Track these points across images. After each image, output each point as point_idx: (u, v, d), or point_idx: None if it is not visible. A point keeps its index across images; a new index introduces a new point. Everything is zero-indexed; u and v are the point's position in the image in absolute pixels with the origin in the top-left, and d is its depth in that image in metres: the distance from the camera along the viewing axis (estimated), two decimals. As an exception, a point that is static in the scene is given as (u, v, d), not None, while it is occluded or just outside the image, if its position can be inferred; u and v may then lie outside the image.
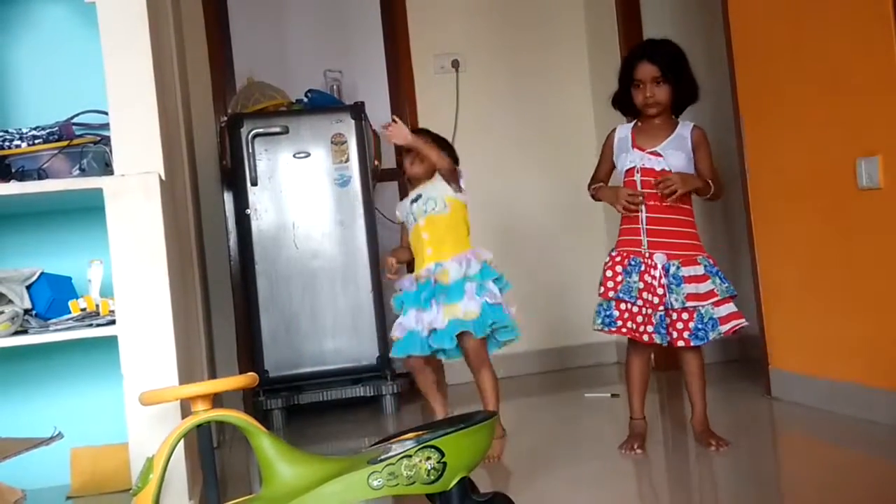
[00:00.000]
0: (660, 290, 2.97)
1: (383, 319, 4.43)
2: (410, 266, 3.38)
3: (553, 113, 5.36)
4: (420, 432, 2.36)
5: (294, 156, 4.42)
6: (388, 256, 3.35)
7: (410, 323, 3.18)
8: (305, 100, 4.66)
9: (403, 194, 5.18)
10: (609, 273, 3.08)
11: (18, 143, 2.84)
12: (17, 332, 2.70)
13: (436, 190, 3.23)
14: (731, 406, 3.79)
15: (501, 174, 5.24)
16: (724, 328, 3.00)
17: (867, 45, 3.11)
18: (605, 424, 3.76)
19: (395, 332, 3.24)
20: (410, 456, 2.18)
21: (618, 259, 3.07)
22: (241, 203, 4.42)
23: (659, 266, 2.99)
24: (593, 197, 3.29)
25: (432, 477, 2.19)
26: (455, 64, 5.23)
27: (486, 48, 5.31)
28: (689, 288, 2.97)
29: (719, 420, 3.25)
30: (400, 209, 3.39)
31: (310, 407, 4.50)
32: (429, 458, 2.19)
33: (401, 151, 3.36)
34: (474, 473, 2.32)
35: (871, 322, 3.21)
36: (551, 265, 5.29)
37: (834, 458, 2.96)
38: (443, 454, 2.20)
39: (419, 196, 3.25)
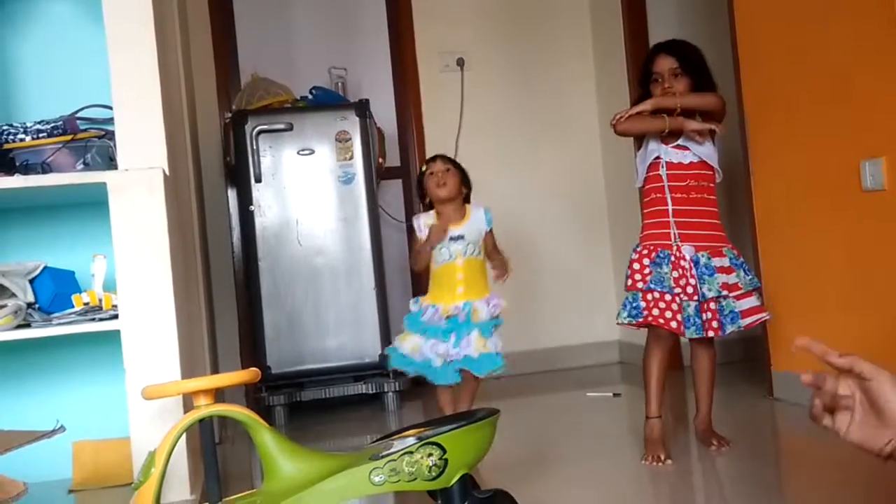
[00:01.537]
0: (692, 282, 2.94)
1: (386, 317, 4.43)
2: (423, 288, 3.39)
3: (558, 112, 5.36)
4: (422, 429, 2.35)
5: (298, 153, 4.42)
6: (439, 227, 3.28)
7: (427, 351, 3.22)
8: (310, 97, 4.66)
9: (407, 193, 5.21)
10: (636, 266, 2.98)
11: (23, 136, 2.85)
12: (19, 326, 2.71)
13: (475, 234, 3.28)
14: (733, 407, 3.79)
15: (506, 173, 5.23)
16: (746, 321, 2.97)
17: (872, 47, 3.11)
18: (607, 423, 3.75)
19: (410, 353, 3.25)
20: (412, 452, 2.17)
21: (644, 252, 2.99)
22: (245, 199, 4.42)
23: (688, 257, 2.96)
24: (624, 134, 3.08)
25: (434, 473, 2.19)
26: (460, 62, 5.23)
27: (492, 47, 5.31)
28: (722, 278, 2.95)
29: (721, 420, 3.24)
30: (426, 232, 3.28)
31: (312, 404, 4.51)
32: (430, 455, 2.19)
33: (422, 178, 3.36)
34: (476, 470, 2.31)
35: (874, 324, 3.20)
36: (555, 264, 5.29)
37: (836, 458, 2.95)
38: (444, 451, 2.19)
39: (461, 237, 3.25)
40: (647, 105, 2.96)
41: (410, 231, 5.10)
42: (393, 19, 5.26)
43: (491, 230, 3.34)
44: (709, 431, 3.09)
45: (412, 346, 3.24)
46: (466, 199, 3.36)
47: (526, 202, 5.27)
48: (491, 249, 3.35)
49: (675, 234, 2.97)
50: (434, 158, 3.39)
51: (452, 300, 3.21)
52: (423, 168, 3.36)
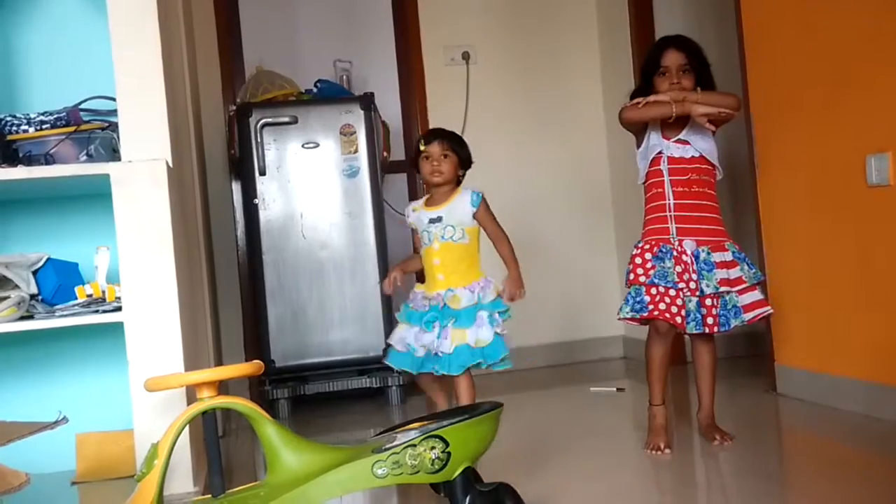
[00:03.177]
0: (694, 277, 2.93)
1: (390, 311, 4.42)
2: (421, 276, 3.29)
3: (563, 105, 5.34)
4: (425, 422, 2.36)
5: (303, 146, 4.41)
6: (395, 271, 3.25)
7: (410, 340, 3.12)
8: (315, 90, 4.65)
9: (412, 187, 5.21)
10: (638, 260, 2.98)
11: (26, 127, 2.85)
12: (23, 318, 2.71)
13: (456, 217, 3.12)
14: (736, 402, 3.78)
15: (511, 166, 5.23)
16: (748, 316, 2.97)
17: (878, 41, 3.09)
18: (610, 418, 3.75)
19: (396, 343, 3.17)
20: (415, 445, 2.18)
21: (646, 247, 2.99)
22: (250, 193, 4.42)
23: (689, 252, 2.95)
24: (630, 121, 3.06)
25: (436, 466, 2.19)
26: (465, 56, 5.22)
27: (497, 40, 5.29)
28: (721, 273, 2.94)
29: (724, 415, 3.24)
30: (413, 216, 3.24)
31: (316, 397, 4.51)
32: (433, 448, 2.19)
33: (418, 155, 3.20)
34: (478, 463, 2.31)
35: (878, 319, 3.19)
36: (560, 258, 5.28)
37: (838, 454, 2.95)
38: (447, 444, 2.19)
39: (440, 218, 3.12)
40: (665, 97, 2.94)
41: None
42: (398, 12, 5.25)
43: (485, 210, 3.14)
44: (711, 426, 3.09)
45: (399, 337, 3.15)
46: (460, 181, 3.22)
47: (531, 195, 5.26)
48: (495, 236, 3.17)
49: (673, 229, 2.97)
50: (431, 139, 3.20)
51: (434, 287, 3.10)
52: (420, 145, 3.20)
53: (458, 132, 3.32)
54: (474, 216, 3.13)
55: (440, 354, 3.01)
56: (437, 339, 3.02)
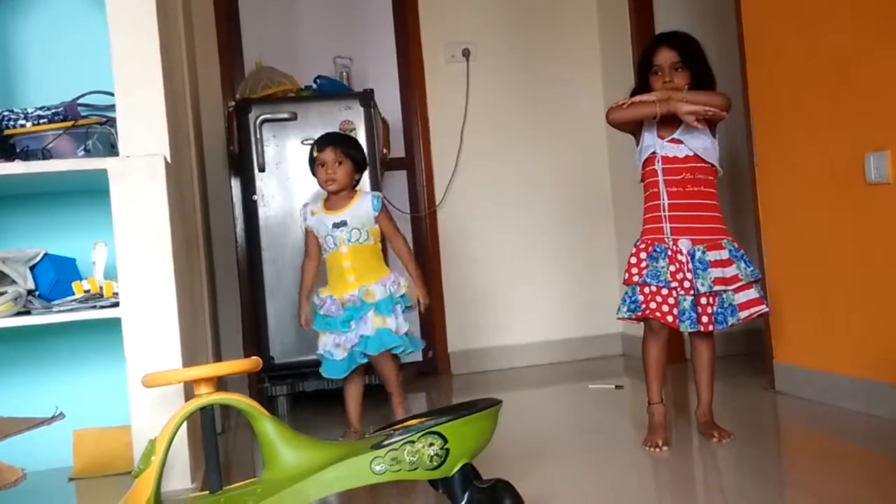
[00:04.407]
0: (689, 276, 2.93)
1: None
2: (323, 279, 3.37)
3: (564, 102, 5.33)
4: (423, 418, 2.35)
5: (302, 142, 4.40)
6: (304, 306, 3.37)
7: (330, 347, 3.22)
8: (314, 86, 4.64)
9: (412, 183, 5.21)
10: (633, 260, 3.00)
11: (23, 122, 2.84)
12: (20, 313, 2.70)
13: (360, 220, 3.22)
14: (735, 399, 3.78)
15: (511, 163, 5.23)
16: (743, 314, 2.97)
17: (878, 40, 3.09)
18: (609, 415, 3.74)
19: (324, 353, 3.26)
20: (413, 442, 2.17)
21: (642, 247, 3.01)
22: (249, 189, 4.41)
23: (685, 251, 2.96)
24: (616, 121, 3.07)
25: (435, 463, 2.18)
26: (465, 53, 5.21)
27: (497, 37, 5.28)
28: (716, 272, 2.93)
29: (722, 412, 3.23)
30: (312, 219, 3.30)
31: (315, 394, 4.50)
32: (432, 445, 2.19)
33: (313, 161, 3.27)
34: (476, 460, 2.31)
35: (876, 316, 3.19)
36: (559, 256, 5.28)
37: (837, 451, 2.95)
38: (446, 440, 2.19)
39: (344, 222, 3.20)
40: (650, 96, 2.95)
41: (413, 222, 5.13)
42: (399, 9, 5.24)
43: (385, 213, 3.27)
44: (710, 423, 3.09)
45: (322, 345, 3.25)
46: (358, 182, 3.33)
47: (530, 193, 5.25)
48: (394, 240, 3.31)
49: (668, 228, 2.98)
50: (324, 145, 3.26)
51: (346, 290, 3.19)
52: (313, 152, 3.25)
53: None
54: (376, 220, 3.25)
55: (359, 340, 3.16)
56: (356, 329, 3.16)
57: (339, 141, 3.28)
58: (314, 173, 3.28)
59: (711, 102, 2.89)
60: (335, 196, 3.25)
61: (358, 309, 3.16)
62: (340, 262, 3.19)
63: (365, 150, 3.37)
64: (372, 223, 3.23)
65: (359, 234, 3.19)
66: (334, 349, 3.18)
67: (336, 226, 3.20)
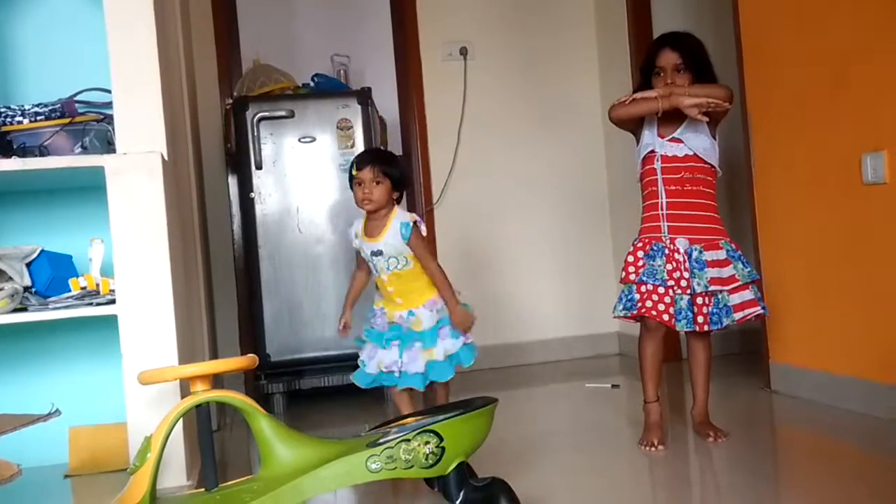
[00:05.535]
0: (685, 275, 2.93)
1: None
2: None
3: (561, 101, 5.34)
4: (419, 417, 2.35)
5: (299, 140, 4.40)
6: (346, 312, 3.28)
7: (364, 357, 3.16)
8: (312, 84, 4.64)
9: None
10: (630, 258, 3.01)
11: (20, 119, 2.83)
12: (16, 310, 2.70)
13: (394, 249, 3.10)
14: (731, 399, 3.78)
15: (508, 162, 5.23)
16: (738, 316, 2.98)
17: (874, 41, 3.09)
18: (605, 414, 3.74)
19: (361, 360, 3.21)
20: (409, 440, 2.17)
21: (639, 245, 3.01)
22: (246, 187, 4.41)
23: (682, 250, 2.95)
24: (619, 118, 3.07)
25: (430, 461, 2.19)
26: (463, 51, 5.21)
27: (495, 36, 5.28)
28: (713, 272, 2.94)
29: (718, 412, 3.24)
30: (356, 242, 3.21)
31: (311, 392, 4.50)
32: (427, 443, 2.19)
33: (352, 178, 3.15)
34: (472, 458, 2.31)
35: (872, 316, 3.19)
36: (556, 255, 5.28)
37: (833, 451, 2.95)
38: (441, 439, 2.19)
39: (380, 251, 3.10)
40: (652, 92, 2.94)
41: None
42: (396, 7, 5.24)
43: (416, 237, 3.09)
44: (706, 423, 3.09)
45: (363, 352, 3.19)
46: (399, 199, 3.18)
47: (527, 192, 5.26)
48: (426, 265, 3.12)
49: (665, 227, 2.97)
50: (363, 163, 3.12)
51: (395, 309, 3.13)
52: (352, 170, 3.13)
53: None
54: (408, 245, 3.11)
55: (407, 373, 3.07)
56: (399, 360, 3.08)
57: (377, 159, 3.15)
58: (352, 189, 3.19)
59: (713, 94, 2.87)
60: (373, 218, 3.14)
61: (404, 335, 3.10)
62: (385, 287, 3.14)
63: (403, 168, 3.21)
64: (407, 249, 3.10)
65: (396, 262, 3.10)
66: (368, 360, 3.14)
67: (374, 254, 3.12)
